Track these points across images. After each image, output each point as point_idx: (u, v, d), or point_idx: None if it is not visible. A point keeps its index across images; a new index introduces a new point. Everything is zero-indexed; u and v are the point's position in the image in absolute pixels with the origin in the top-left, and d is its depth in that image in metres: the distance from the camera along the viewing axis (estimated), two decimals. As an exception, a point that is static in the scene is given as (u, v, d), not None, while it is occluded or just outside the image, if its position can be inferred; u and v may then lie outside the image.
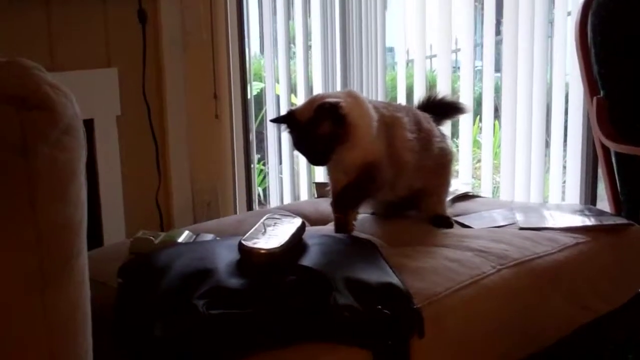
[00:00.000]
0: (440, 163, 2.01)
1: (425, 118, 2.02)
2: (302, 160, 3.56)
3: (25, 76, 0.97)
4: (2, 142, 0.93)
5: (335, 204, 1.84)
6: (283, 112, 3.50)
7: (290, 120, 1.81)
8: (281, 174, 3.66)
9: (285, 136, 3.47)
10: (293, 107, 1.85)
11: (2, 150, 0.93)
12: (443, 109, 2.15)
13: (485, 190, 3.12)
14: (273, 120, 1.88)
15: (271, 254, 1.52)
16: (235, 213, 3.18)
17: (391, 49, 3.98)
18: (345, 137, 1.76)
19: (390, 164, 1.83)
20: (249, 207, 3.29)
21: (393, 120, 1.88)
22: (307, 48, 3.51)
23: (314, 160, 1.83)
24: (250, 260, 1.52)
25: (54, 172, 0.97)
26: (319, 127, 1.75)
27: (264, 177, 3.96)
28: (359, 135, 1.77)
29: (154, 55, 2.93)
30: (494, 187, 3.33)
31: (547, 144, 3.02)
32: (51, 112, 0.96)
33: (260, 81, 4.16)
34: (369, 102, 1.87)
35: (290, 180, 3.60)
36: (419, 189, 1.98)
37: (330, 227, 1.96)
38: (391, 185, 1.90)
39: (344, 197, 1.82)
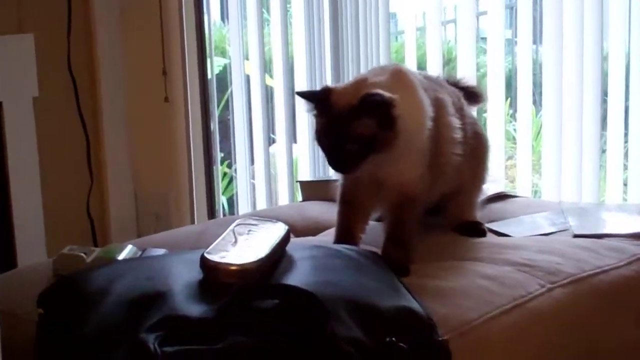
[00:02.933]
0: (474, 154, 1.99)
1: (454, 93, 1.99)
2: (280, 159, 3.51)
3: None
4: None
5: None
6: (255, 95, 3.47)
7: (323, 100, 1.73)
8: (253, 178, 3.61)
9: (259, 127, 3.50)
10: (332, 85, 1.77)
11: None
12: None
13: (523, 192, 3.08)
14: (301, 94, 1.80)
15: (245, 270, 1.50)
16: (193, 225, 3.14)
17: (393, 15, 3.95)
18: (386, 146, 1.69)
19: (431, 171, 1.79)
20: (211, 218, 3.25)
21: (438, 105, 1.82)
22: (286, 14, 3.47)
23: (338, 164, 1.74)
24: (216, 279, 1.50)
25: None
26: (358, 123, 1.68)
27: (230, 182, 3.91)
28: (406, 149, 1.72)
29: (81, 18, 2.89)
30: (534, 189, 3.30)
31: (602, 133, 3.00)
32: None
33: (224, 56, 4.13)
34: (420, 85, 1.79)
35: (266, 187, 3.54)
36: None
37: (321, 238, 1.95)
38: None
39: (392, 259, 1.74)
